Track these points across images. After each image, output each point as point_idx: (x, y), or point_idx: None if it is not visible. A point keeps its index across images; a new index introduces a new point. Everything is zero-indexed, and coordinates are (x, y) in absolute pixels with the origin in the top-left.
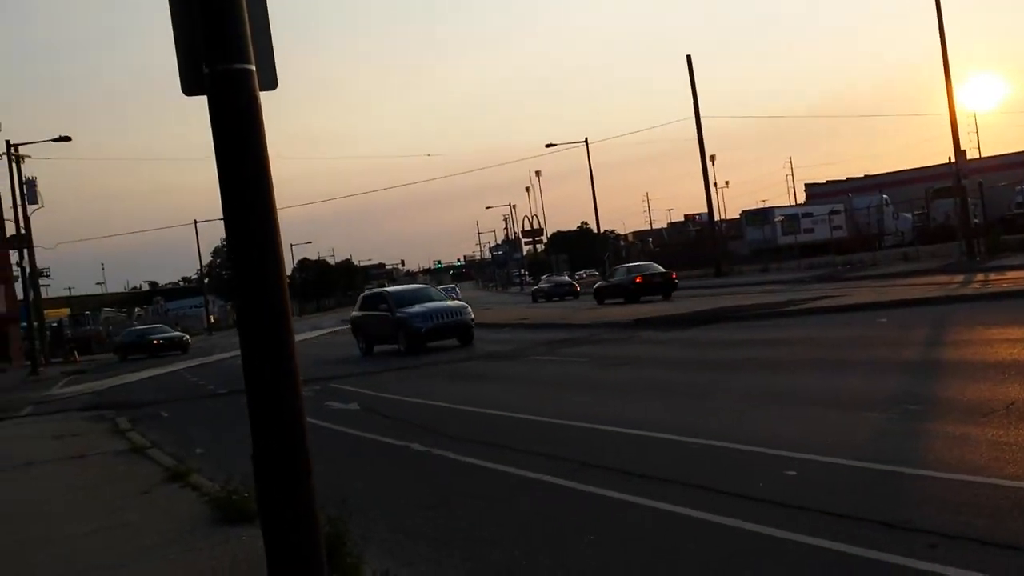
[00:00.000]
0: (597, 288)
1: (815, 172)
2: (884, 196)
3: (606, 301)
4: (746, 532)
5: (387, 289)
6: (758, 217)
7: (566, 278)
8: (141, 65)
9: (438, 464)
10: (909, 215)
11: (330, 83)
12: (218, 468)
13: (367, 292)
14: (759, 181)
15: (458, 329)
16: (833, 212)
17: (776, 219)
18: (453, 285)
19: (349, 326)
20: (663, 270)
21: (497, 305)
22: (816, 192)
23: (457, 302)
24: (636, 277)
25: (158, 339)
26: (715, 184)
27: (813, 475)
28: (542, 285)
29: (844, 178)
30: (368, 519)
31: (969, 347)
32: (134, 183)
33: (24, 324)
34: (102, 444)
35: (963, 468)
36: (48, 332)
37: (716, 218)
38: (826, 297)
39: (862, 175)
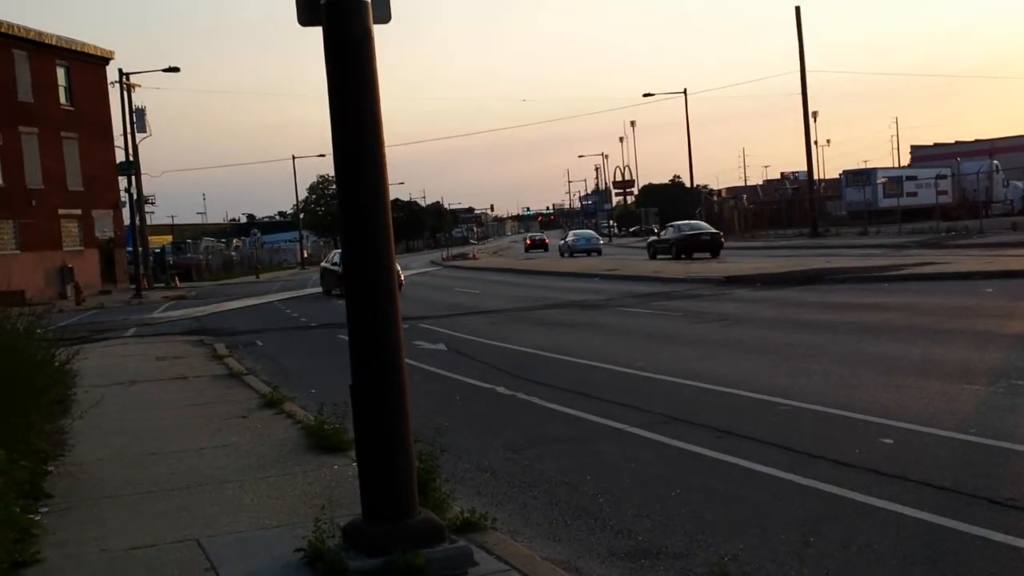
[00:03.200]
0: (649, 243)
1: (922, 134)
2: (995, 162)
3: (658, 256)
4: (840, 498)
5: None
6: (859, 178)
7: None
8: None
9: (523, 408)
10: (1021, 183)
11: (426, 23)
12: (310, 398)
13: None
14: (861, 141)
15: None
16: (940, 176)
17: (878, 180)
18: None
19: (437, 268)
20: (713, 230)
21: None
22: (922, 155)
23: None
24: (686, 235)
25: None
26: (816, 142)
27: (912, 445)
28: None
29: (952, 141)
30: (454, 458)
31: None
32: (237, 116)
33: (130, 249)
34: (202, 368)
35: None
36: (151, 258)
37: (815, 177)
38: (929, 264)
39: (972, 139)
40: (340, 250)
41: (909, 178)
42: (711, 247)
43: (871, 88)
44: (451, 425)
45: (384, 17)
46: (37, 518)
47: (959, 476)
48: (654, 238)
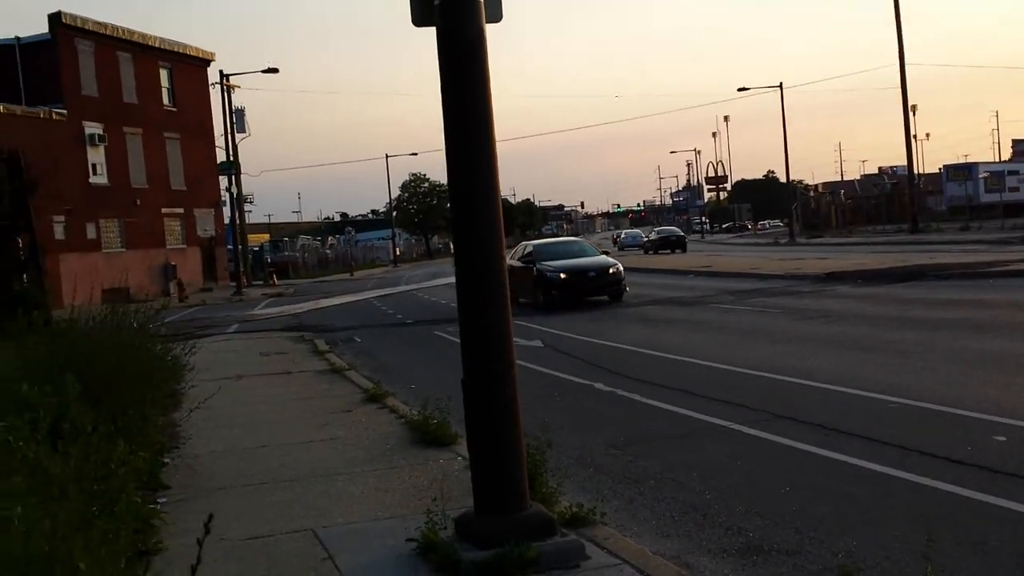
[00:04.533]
0: (643, 243)
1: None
2: None
3: (648, 252)
4: (953, 495)
5: None
6: (960, 172)
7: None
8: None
9: (623, 405)
10: None
11: (516, 20)
12: (409, 393)
13: None
14: (960, 135)
15: None
16: None
17: (980, 175)
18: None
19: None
20: (680, 233)
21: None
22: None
23: None
24: (660, 236)
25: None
26: (915, 136)
27: None
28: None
29: None
30: (556, 453)
31: None
32: (331, 116)
33: (229, 247)
34: (304, 363)
35: None
36: (250, 256)
37: (914, 171)
38: None
39: None
40: (535, 241)
41: (1011, 173)
42: (679, 245)
43: (970, 81)
44: (551, 421)
45: (496, 16)
46: (157, 508)
47: None
48: (645, 240)
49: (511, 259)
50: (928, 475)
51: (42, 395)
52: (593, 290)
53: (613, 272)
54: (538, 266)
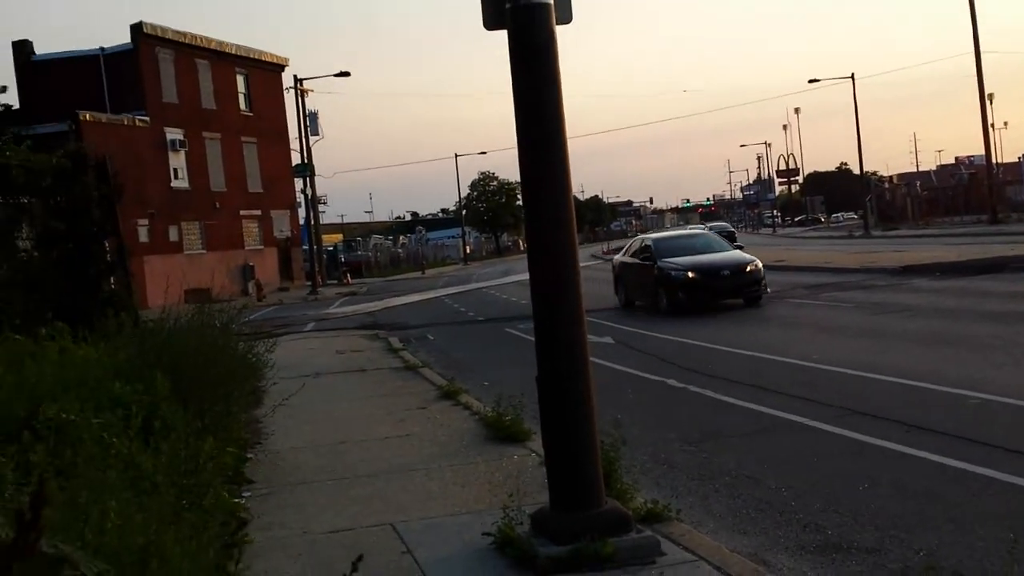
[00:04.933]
0: None
1: None
2: None
3: None
4: None
5: None
6: None
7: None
8: (407, 8)
9: (696, 401)
10: None
11: (583, 16)
12: (482, 390)
13: None
14: None
15: None
16: None
17: None
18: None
19: (597, 262)
20: (731, 228)
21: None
22: None
23: None
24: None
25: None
26: (992, 125)
27: None
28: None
29: None
30: (630, 450)
31: None
32: (401, 117)
33: (305, 247)
34: (379, 361)
35: None
36: (325, 256)
37: (993, 161)
38: None
39: None
40: (654, 234)
41: None
42: (730, 239)
43: None
44: (624, 417)
45: (565, 18)
46: (242, 502)
47: None
48: None
49: (624, 255)
50: (1015, 473)
51: (134, 393)
52: (727, 291)
53: (751, 270)
54: (659, 263)
